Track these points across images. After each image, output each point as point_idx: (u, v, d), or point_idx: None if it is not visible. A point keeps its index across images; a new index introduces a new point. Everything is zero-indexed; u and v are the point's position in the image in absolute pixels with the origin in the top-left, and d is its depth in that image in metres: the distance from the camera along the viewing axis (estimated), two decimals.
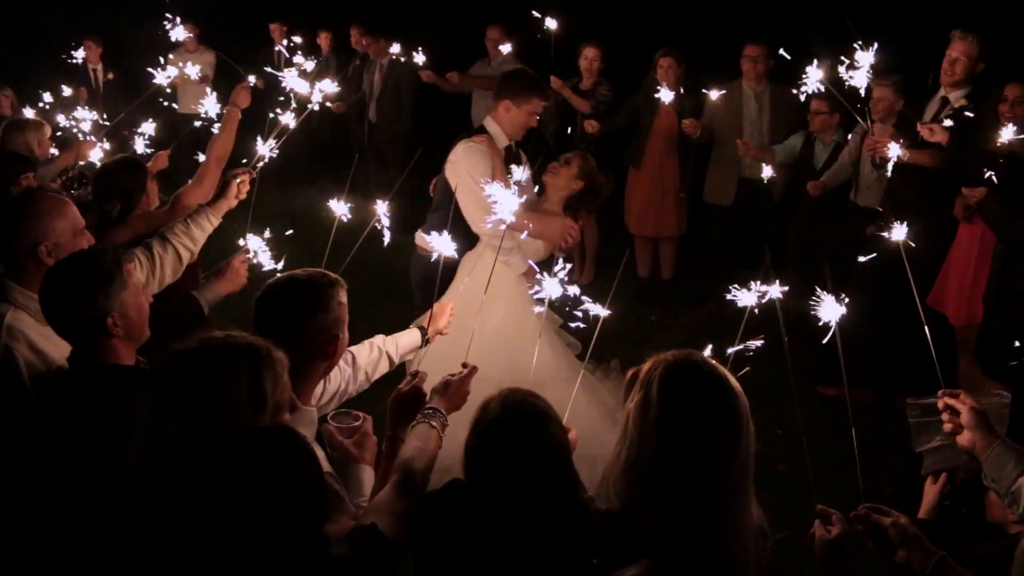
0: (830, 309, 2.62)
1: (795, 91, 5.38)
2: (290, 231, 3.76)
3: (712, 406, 1.89)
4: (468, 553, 2.23)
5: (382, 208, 3.46)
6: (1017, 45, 5.95)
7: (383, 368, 3.35)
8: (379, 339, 3.39)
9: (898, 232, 2.92)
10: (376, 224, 3.48)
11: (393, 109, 8.98)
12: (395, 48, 8.21)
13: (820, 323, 2.61)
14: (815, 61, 3.64)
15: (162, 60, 5.98)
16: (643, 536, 1.89)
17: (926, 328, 2.77)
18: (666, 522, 1.86)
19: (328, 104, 8.97)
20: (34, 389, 2.80)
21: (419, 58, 7.43)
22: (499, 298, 4.46)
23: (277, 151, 4.01)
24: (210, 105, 4.60)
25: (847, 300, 2.65)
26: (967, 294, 5.02)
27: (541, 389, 2.41)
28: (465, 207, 4.58)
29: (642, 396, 1.93)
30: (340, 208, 3.51)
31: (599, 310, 3.15)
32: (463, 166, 4.65)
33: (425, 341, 3.49)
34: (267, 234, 3.76)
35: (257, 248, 3.73)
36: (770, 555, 2.01)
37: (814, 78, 3.58)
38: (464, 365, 2.92)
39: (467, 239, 4.71)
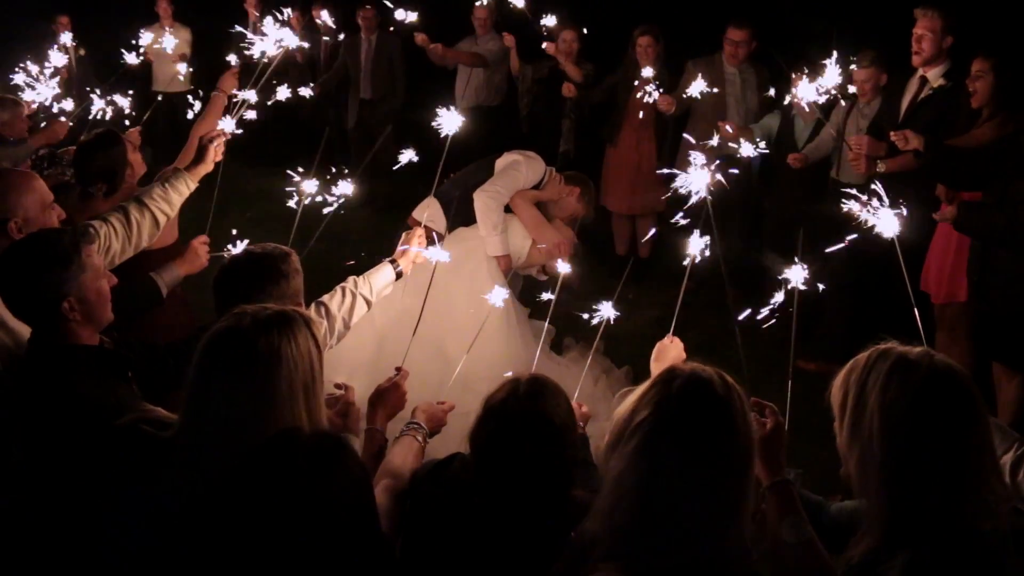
0: (795, 272, 2.76)
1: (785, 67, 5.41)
2: (249, 213, 3.78)
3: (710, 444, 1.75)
4: (457, 523, 2.25)
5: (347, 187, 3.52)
6: (991, 19, 5.98)
7: (361, 311, 3.36)
8: (350, 282, 3.39)
9: (887, 222, 2.96)
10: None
11: (387, 85, 8.92)
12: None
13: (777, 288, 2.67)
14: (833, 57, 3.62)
15: (136, 38, 5.91)
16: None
17: (915, 309, 2.81)
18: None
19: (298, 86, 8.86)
20: (5, 367, 2.73)
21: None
22: (463, 278, 4.52)
23: (240, 130, 3.97)
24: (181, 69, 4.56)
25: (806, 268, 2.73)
26: (948, 273, 5.04)
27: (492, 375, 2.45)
28: (487, 204, 4.69)
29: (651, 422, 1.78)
30: (309, 186, 3.52)
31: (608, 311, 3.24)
32: (521, 171, 4.86)
33: (398, 275, 3.51)
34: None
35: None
36: None
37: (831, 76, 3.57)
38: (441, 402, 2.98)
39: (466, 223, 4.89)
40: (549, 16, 6.20)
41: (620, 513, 1.74)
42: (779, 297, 2.91)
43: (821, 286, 2.83)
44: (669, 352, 2.91)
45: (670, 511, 1.71)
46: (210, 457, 2.03)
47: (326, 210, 3.67)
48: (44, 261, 2.54)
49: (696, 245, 3.07)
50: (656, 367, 2.84)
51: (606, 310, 3.07)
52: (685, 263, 3.04)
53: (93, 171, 4.02)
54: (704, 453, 1.72)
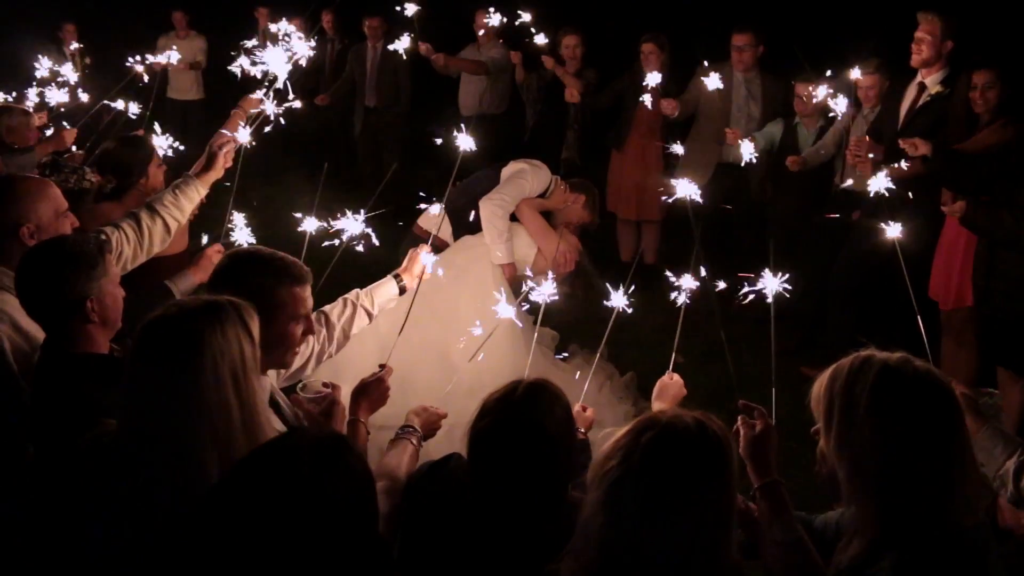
0: (769, 283, 2.87)
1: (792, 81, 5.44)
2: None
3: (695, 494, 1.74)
4: (450, 520, 2.28)
5: (357, 224, 3.54)
6: (991, 28, 6.00)
7: (362, 323, 3.38)
8: (353, 294, 3.42)
9: (893, 230, 3.00)
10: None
11: (392, 93, 8.97)
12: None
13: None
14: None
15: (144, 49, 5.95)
16: None
17: (919, 316, 2.85)
18: None
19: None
20: (19, 370, 2.78)
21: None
22: (468, 285, 4.54)
23: (254, 142, 4.00)
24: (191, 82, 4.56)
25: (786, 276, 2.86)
26: (956, 277, 5.04)
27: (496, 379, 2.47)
28: (493, 212, 4.73)
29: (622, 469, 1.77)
30: (309, 224, 3.55)
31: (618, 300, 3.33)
32: (527, 180, 4.91)
33: (401, 289, 3.53)
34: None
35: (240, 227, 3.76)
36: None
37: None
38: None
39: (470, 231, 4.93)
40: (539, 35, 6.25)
41: (587, 556, 1.78)
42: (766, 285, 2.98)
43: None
44: (669, 390, 2.96)
45: (632, 559, 1.72)
46: (148, 450, 2.04)
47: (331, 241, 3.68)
48: (73, 261, 2.60)
49: (687, 282, 3.20)
50: (657, 405, 2.91)
51: (617, 300, 3.15)
52: (679, 304, 3.16)
53: (110, 162, 4.08)
54: (666, 507, 1.72)
